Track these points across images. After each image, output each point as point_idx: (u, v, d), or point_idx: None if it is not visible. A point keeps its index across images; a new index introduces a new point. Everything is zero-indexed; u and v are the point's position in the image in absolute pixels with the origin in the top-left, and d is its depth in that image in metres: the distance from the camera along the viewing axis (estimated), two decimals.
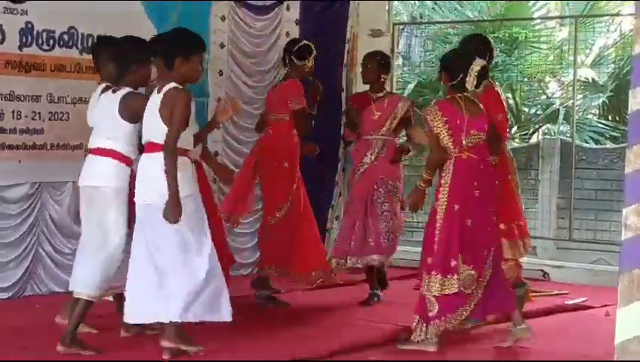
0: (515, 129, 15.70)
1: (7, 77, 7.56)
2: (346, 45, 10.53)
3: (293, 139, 8.12)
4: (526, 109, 15.62)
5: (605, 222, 12.57)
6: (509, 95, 15.55)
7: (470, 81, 6.45)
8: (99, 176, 6.14)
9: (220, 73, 9.13)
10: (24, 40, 7.64)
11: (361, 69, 8.61)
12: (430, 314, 6.36)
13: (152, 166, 5.80)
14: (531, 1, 15.74)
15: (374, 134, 8.29)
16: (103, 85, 6.46)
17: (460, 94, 6.48)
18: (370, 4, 10.91)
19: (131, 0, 8.19)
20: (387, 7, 11.41)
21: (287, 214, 8.08)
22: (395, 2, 13.03)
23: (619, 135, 14.91)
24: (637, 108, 3.60)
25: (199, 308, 5.88)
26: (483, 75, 6.61)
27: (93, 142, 6.25)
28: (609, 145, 14.83)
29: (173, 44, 5.97)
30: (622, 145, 13.25)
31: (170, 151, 5.74)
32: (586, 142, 14.40)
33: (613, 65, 16.04)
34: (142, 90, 6.34)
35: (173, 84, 5.83)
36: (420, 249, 6.88)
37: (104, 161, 6.13)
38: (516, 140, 15.02)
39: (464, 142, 6.42)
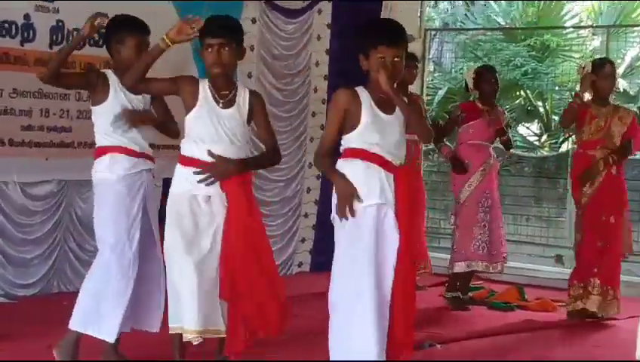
0: (544, 137, 15.63)
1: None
2: None
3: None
4: (556, 118, 15.51)
5: (634, 232, 12.45)
6: (539, 103, 15.47)
7: None
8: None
9: (249, 75, 9.13)
10: (55, 38, 7.68)
11: (472, 83, 8.63)
12: None
13: None
14: (563, 9, 15.65)
15: (487, 142, 8.59)
16: None
17: None
18: (403, 10, 10.87)
19: (162, 0, 8.22)
20: (419, 13, 11.38)
21: None
22: (428, 8, 12.99)
23: None
24: None
25: None
26: None
27: None
28: (638, 155, 14.70)
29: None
30: None
31: None
32: None
33: None
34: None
35: None
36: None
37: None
38: (546, 149, 14.95)
39: None
